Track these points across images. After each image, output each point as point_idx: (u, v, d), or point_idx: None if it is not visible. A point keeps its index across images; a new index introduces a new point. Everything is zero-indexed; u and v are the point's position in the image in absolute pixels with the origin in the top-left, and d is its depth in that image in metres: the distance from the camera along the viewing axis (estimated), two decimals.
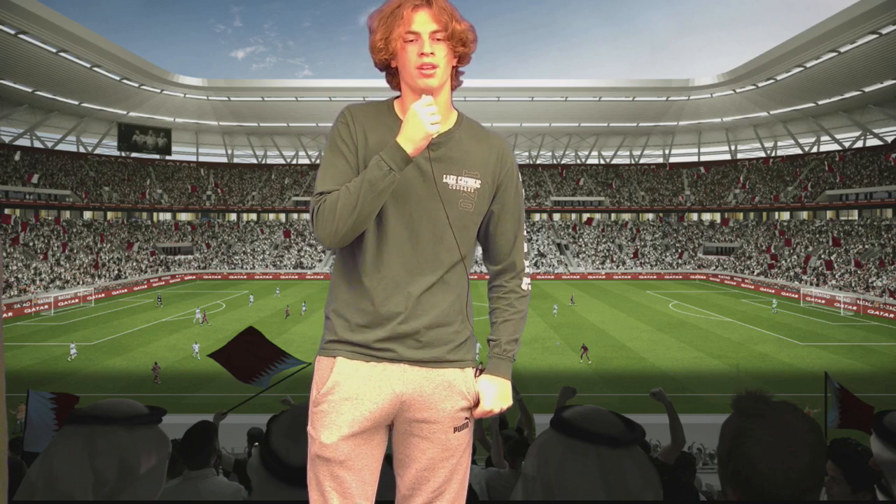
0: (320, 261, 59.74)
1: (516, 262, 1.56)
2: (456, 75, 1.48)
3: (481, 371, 1.53)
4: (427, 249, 1.41)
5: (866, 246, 47.08)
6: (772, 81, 52.83)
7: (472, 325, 1.54)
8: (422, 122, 1.30)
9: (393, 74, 1.48)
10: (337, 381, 1.39)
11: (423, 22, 1.36)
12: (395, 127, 1.39)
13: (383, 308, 1.39)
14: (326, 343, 1.45)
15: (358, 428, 1.37)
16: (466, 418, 1.47)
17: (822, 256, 48.17)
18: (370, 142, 1.41)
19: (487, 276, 1.63)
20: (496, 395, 1.49)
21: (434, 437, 1.43)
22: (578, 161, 78.00)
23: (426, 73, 1.36)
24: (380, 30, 1.39)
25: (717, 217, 66.24)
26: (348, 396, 1.37)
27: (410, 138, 1.30)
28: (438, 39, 1.37)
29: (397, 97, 1.50)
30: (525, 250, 1.58)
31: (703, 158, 74.92)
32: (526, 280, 1.57)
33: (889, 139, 55.91)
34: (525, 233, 1.59)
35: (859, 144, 59.01)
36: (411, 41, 1.37)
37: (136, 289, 48.55)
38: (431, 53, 1.36)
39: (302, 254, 61.13)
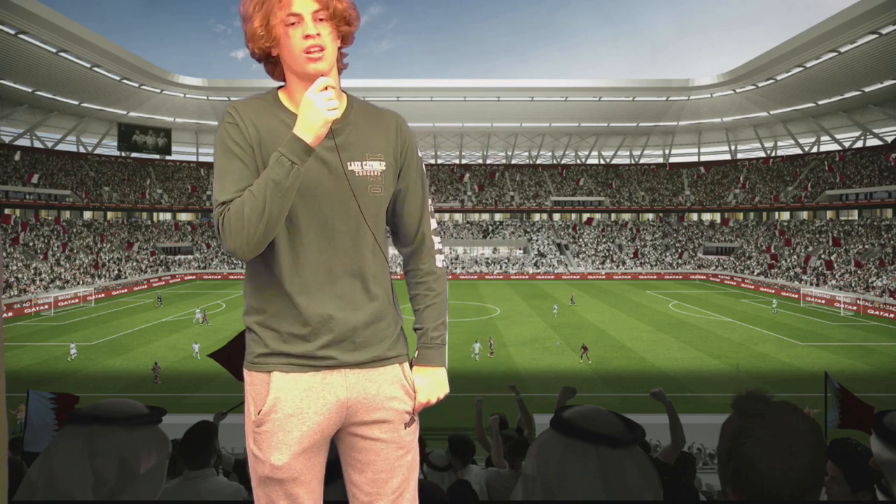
0: None
1: (426, 240, 1.50)
2: (340, 57, 1.41)
3: (412, 363, 1.49)
4: (346, 243, 1.36)
5: (866, 246, 47.08)
6: (772, 81, 52.83)
7: (401, 317, 1.50)
8: (318, 108, 1.22)
9: (274, 64, 1.40)
10: (277, 397, 1.32)
11: (303, 3, 1.29)
12: (286, 118, 1.32)
13: (312, 312, 1.32)
14: (256, 357, 1.36)
15: (308, 443, 1.33)
16: (411, 413, 1.43)
17: (822, 256, 48.17)
18: (264, 137, 1.32)
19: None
20: (430, 385, 1.45)
21: (387, 436, 1.39)
22: (578, 161, 77.98)
23: (314, 57, 1.29)
24: (257, 16, 1.30)
25: (717, 217, 66.23)
26: (293, 412, 1.31)
27: (309, 127, 1.22)
28: (321, 19, 1.30)
29: (281, 87, 1.42)
30: (433, 226, 1.52)
31: (703, 158, 74.92)
32: (440, 257, 1.51)
33: (889, 139, 55.92)
34: (431, 209, 1.53)
35: (859, 144, 59.02)
36: (293, 24, 1.29)
37: (136, 289, 48.55)
38: (317, 34, 1.29)
39: None
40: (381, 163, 1.40)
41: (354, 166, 1.36)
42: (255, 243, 1.23)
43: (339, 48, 1.38)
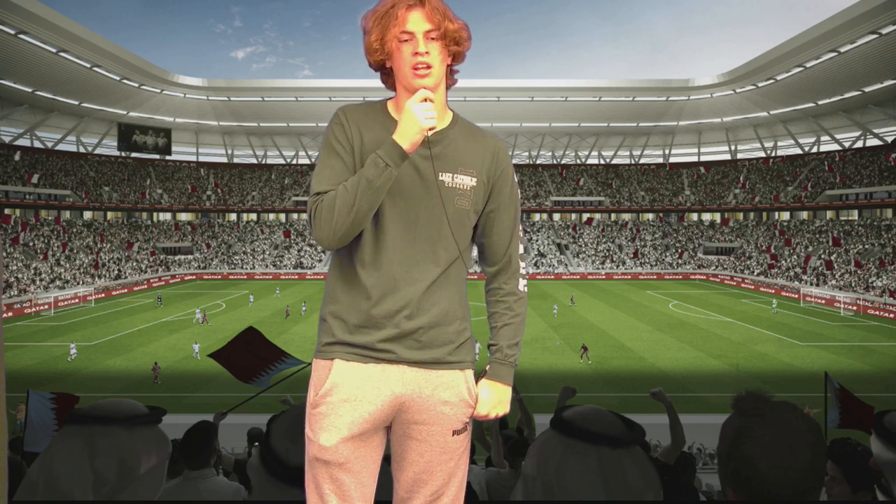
0: (320, 261, 59.75)
1: (512, 262, 1.54)
2: (450, 74, 1.49)
3: (484, 374, 1.52)
4: (425, 247, 1.41)
5: (866, 246, 47.08)
6: (772, 81, 52.83)
7: (470, 326, 1.53)
8: (416, 117, 1.30)
9: (388, 74, 1.48)
10: (335, 383, 1.37)
11: (416, 22, 1.37)
12: (390, 126, 1.38)
13: (382, 306, 1.37)
14: (323, 346, 1.43)
15: (357, 430, 1.36)
16: (465, 422, 1.45)
17: (822, 256, 48.17)
18: (366, 141, 1.41)
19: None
20: (495, 400, 1.48)
21: (432, 439, 1.41)
22: (578, 161, 77.98)
23: (421, 74, 1.37)
24: (374, 31, 1.40)
25: (717, 217, 66.23)
26: (347, 398, 1.36)
27: (406, 134, 1.31)
28: (432, 38, 1.38)
29: (392, 98, 1.50)
30: (521, 251, 1.57)
31: (703, 158, 74.93)
32: (522, 282, 1.56)
33: (889, 139, 55.91)
34: (521, 234, 1.58)
35: (859, 144, 59.02)
36: (406, 41, 1.38)
37: (136, 289, 48.53)
38: (426, 53, 1.37)
39: (302, 254, 61.13)
40: (473, 179, 1.45)
41: (445, 177, 1.43)
42: (341, 236, 1.33)
43: (450, 65, 1.46)
